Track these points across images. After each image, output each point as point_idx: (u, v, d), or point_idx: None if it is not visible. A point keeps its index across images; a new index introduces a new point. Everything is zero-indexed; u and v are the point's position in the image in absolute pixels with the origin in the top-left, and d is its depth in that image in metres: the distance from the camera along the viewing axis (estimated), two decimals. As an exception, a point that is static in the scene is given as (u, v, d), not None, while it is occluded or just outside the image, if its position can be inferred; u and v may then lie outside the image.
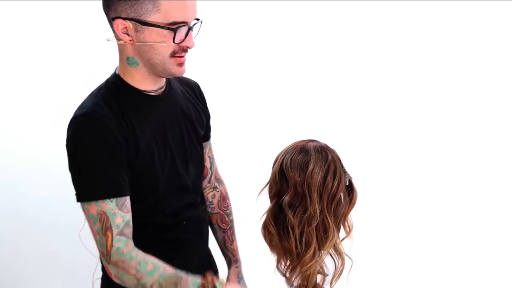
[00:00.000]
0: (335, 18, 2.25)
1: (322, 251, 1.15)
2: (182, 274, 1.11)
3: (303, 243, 1.14)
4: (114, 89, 1.16)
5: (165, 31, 1.07)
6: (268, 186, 1.23)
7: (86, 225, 1.28)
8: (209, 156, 1.45)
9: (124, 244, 1.09)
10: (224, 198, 1.51)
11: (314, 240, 1.14)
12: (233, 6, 2.23)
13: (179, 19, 1.08)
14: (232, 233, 1.52)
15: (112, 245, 1.07)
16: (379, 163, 2.24)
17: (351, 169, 1.30)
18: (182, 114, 1.28)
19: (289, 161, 1.17)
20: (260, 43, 2.26)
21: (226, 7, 2.23)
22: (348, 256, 1.19)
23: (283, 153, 1.21)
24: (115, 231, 1.08)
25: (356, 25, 2.24)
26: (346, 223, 1.21)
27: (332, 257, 1.19)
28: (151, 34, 1.08)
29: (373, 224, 2.10)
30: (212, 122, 1.56)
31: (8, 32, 2.16)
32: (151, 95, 1.19)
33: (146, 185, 1.17)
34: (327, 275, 1.18)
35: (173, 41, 1.09)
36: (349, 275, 1.19)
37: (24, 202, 2.21)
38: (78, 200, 1.10)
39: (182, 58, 1.14)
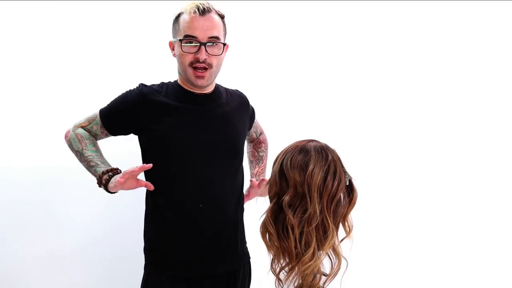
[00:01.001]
0: (335, 18, 2.25)
1: (322, 251, 1.15)
2: (103, 167, 1.55)
3: (303, 243, 1.14)
4: (171, 84, 1.60)
5: (185, 45, 1.48)
6: (268, 186, 1.23)
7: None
8: (254, 132, 1.87)
9: (77, 131, 1.62)
10: (260, 141, 1.90)
11: (314, 240, 1.13)
12: (233, 6, 2.22)
13: (188, 33, 1.47)
14: (258, 162, 1.88)
15: (79, 123, 1.62)
16: (379, 163, 2.24)
17: (351, 169, 1.30)
18: (223, 117, 1.61)
19: (289, 161, 1.17)
20: (261, 43, 2.25)
21: (225, 7, 2.23)
22: (344, 258, 1.19)
23: (283, 153, 1.21)
24: (85, 122, 1.62)
25: (356, 25, 2.24)
26: (346, 223, 1.21)
27: (330, 258, 1.19)
28: (177, 47, 1.51)
29: (372, 224, 2.10)
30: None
31: (8, 32, 2.16)
32: (196, 93, 1.55)
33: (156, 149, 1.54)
34: (326, 275, 1.18)
35: (181, 49, 1.49)
36: (343, 276, 1.19)
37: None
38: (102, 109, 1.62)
39: (199, 71, 1.49)
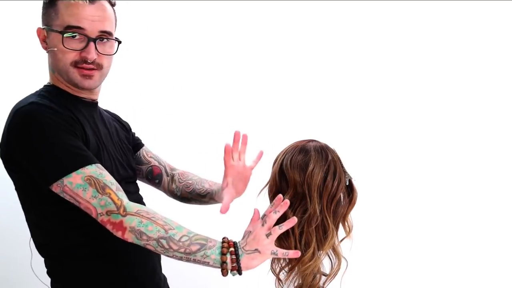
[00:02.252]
0: (334, 18, 2.24)
1: (321, 251, 1.15)
2: (205, 236, 1.07)
3: (303, 242, 1.13)
4: (50, 91, 1.19)
5: (68, 38, 1.13)
6: (268, 186, 1.23)
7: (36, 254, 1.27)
8: (151, 157, 1.49)
9: (133, 203, 1.05)
10: (182, 173, 1.51)
11: (314, 240, 1.13)
12: (232, 6, 2.22)
13: (72, 23, 1.13)
14: (199, 183, 1.47)
15: (119, 199, 1.02)
16: (379, 163, 2.24)
17: (352, 169, 1.30)
18: (114, 126, 1.35)
19: (289, 161, 1.16)
20: (261, 43, 2.25)
21: (225, 7, 2.23)
22: (344, 258, 1.18)
23: (283, 153, 1.21)
24: (113, 187, 1.04)
25: (356, 25, 2.24)
26: (346, 223, 1.21)
27: (330, 258, 1.18)
28: (53, 40, 1.16)
29: (372, 224, 2.10)
30: (212, 122, 1.57)
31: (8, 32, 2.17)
32: (85, 100, 1.24)
33: None
34: (326, 275, 1.18)
35: (62, 45, 1.13)
36: (343, 276, 1.19)
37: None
38: (55, 179, 1.04)
39: (85, 70, 1.17)
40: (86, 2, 1.13)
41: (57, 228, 1.14)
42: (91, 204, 1.02)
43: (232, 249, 1.01)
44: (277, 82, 2.23)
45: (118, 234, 1.01)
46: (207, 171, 1.61)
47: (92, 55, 1.15)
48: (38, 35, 1.19)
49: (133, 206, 1.02)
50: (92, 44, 1.15)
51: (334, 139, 1.40)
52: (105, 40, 1.18)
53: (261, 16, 2.22)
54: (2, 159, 1.16)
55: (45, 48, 1.19)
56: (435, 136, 2.21)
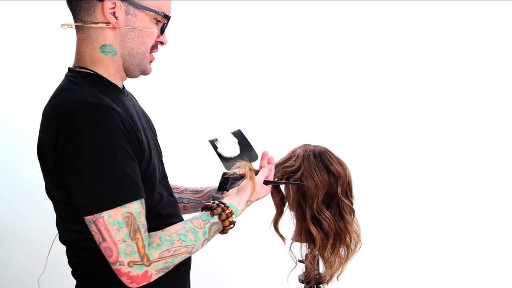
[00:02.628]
0: (333, 18, 2.24)
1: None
2: (211, 218, 1.06)
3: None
4: (92, 80, 1.01)
5: (154, 21, 1.03)
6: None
7: (47, 269, 1.23)
8: None
9: (151, 238, 0.98)
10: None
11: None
12: (232, 6, 2.22)
13: (167, 11, 1.05)
14: (192, 192, 1.41)
15: (143, 245, 0.94)
16: (379, 163, 2.24)
17: (351, 169, 1.31)
18: (144, 116, 1.21)
19: (329, 157, 1.27)
20: (262, 44, 2.25)
21: (224, 7, 2.23)
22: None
23: (311, 155, 1.26)
24: (142, 230, 0.94)
25: (355, 26, 2.23)
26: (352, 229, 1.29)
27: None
28: (143, 19, 1.01)
29: (372, 224, 2.09)
30: (213, 122, 1.57)
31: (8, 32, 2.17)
32: (122, 90, 1.10)
33: (146, 185, 1.03)
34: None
35: (161, 32, 1.05)
36: (340, 276, 1.29)
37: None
38: (95, 210, 0.91)
39: (153, 57, 1.09)
40: None
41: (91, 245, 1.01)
42: (117, 248, 0.92)
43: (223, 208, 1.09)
44: (277, 83, 2.23)
45: (134, 285, 0.95)
46: (202, 174, 1.60)
47: (166, 40, 1.09)
48: (104, 8, 0.98)
49: (155, 253, 0.96)
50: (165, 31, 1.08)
51: (334, 139, 1.41)
52: None
53: (260, 16, 2.22)
54: (40, 161, 1.01)
55: (115, 25, 0.99)
56: (434, 136, 2.21)
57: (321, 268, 1.31)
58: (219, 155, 1.28)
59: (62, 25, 1.03)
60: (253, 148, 1.32)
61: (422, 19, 2.16)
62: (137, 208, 0.93)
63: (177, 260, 0.99)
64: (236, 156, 1.28)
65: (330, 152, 1.27)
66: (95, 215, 0.90)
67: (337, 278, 1.29)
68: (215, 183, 1.31)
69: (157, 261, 0.95)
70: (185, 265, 1.18)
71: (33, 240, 2.24)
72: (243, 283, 2.28)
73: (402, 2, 2.14)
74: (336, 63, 2.20)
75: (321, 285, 1.31)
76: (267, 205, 1.35)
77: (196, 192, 1.38)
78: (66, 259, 1.10)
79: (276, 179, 1.26)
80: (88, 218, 0.91)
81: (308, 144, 1.30)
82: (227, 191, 1.20)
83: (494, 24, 2.14)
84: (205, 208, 1.09)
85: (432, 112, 2.20)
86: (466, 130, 2.19)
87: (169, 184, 1.21)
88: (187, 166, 2.03)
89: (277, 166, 1.28)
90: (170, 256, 0.97)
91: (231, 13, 2.21)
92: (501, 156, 2.19)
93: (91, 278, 1.06)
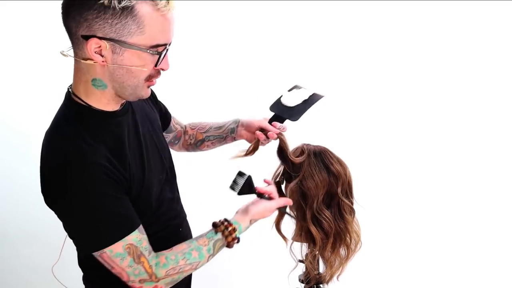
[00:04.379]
0: (333, 18, 2.24)
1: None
2: (215, 235, 1.15)
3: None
4: (81, 117, 1.04)
5: (146, 55, 0.98)
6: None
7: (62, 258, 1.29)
8: (177, 123, 1.50)
9: (156, 257, 1.08)
10: (191, 123, 1.54)
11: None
12: (231, 6, 2.22)
13: (161, 41, 0.98)
14: (213, 123, 1.51)
15: (150, 266, 1.05)
16: (379, 163, 2.24)
17: (351, 169, 1.31)
18: (147, 117, 1.24)
19: (329, 158, 1.27)
20: (262, 44, 2.25)
21: (224, 7, 2.23)
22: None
23: (312, 154, 1.26)
24: (146, 254, 1.05)
25: (355, 26, 2.23)
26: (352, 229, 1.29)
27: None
28: (130, 57, 0.97)
29: (372, 224, 2.10)
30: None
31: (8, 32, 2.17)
32: (118, 112, 1.10)
33: (140, 205, 1.12)
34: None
35: (155, 65, 1.01)
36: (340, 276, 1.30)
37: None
38: (96, 249, 1.00)
39: (153, 82, 1.07)
40: (172, 11, 0.98)
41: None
42: (126, 272, 1.04)
43: (226, 225, 1.16)
44: (276, 82, 2.23)
45: None
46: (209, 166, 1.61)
47: (169, 65, 1.05)
48: (89, 48, 0.96)
49: (162, 271, 1.07)
50: (167, 55, 1.03)
51: (334, 139, 1.40)
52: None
53: (259, 16, 2.23)
54: (46, 200, 1.07)
55: (102, 63, 0.98)
56: (434, 136, 2.21)
57: (321, 268, 1.31)
58: (281, 96, 1.37)
59: (61, 52, 1.04)
60: (301, 116, 1.32)
61: (422, 19, 2.16)
62: (135, 237, 1.03)
63: (184, 275, 1.11)
64: (287, 107, 1.33)
65: (330, 152, 1.27)
66: (98, 252, 1.01)
67: (337, 278, 1.30)
68: (227, 152, 1.36)
69: (164, 278, 1.07)
70: None
71: (36, 239, 2.24)
72: (244, 282, 2.28)
73: (402, 2, 2.14)
74: (336, 63, 2.21)
75: (321, 285, 1.31)
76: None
77: (219, 127, 1.49)
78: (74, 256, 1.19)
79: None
80: (93, 254, 1.02)
81: (308, 144, 1.30)
82: (235, 191, 1.24)
83: (494, 24, 2.14)
84: (212, 226, 1.17)
85: (432, 112, 2.20)
86: (465, 130, 2.19)
87: (175, 184, 1.31)
88: (194, 161, 2.03)
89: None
90: (176, 273, 1.09)
91: (231, 13, 2.21)
92: (501, 156, 2.19)
93: (96, 270, 1.13)
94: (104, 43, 0.95)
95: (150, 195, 1.15)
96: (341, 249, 1.27)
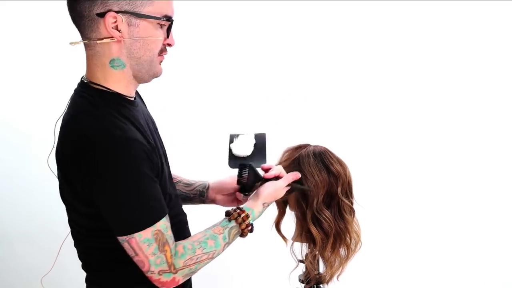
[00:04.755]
0: (333, 18, 2.24)
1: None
2: (229, 223, 1.14)
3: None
4: (107, 101, 1.05)
5: (158, 26, 1.03)
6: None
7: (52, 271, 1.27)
8: None
9: (176, 247, 1.07)
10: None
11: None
12: (231, 6, 2.22)
13: (169, 12, 1.04)
14: (185, 178, 1.46)
15: (171, 255, 1.04)
16: (378, 164, 2.24)
17: (351, 169, 1.31)
18: (152, 122, 1.25)
19: (329, 157, 1.27)
20: (262, 44, 2.25)
21: (224, 7, 2.23)
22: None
23: (311, 155, 1.27)
24: (170, 242, 1.04)
25: (355, 26, 2.23)
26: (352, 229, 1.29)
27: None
28: (146, 28, 1.02)
29: (372, 224, 2.10)
30: (214, 122, 1.58)
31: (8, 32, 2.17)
32: (134, 101, 1.13)
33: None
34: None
35: (167, 36, 1.05)
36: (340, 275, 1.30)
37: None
38: (128, 232, 0.99)
39: (163, 57, 1.10)
40: None
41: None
42: (148, 260, 1.02)
43: (242, 215, 1.15)
44: (276, 82, 2.24)
45: (177, 283, 1.07)
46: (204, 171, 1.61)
47: (174, 41, 1.09)
48: (106, 24, 0.99)
49: (180, 262, 1.06)
50: (171, 30, 1.07)
51: (334, 139, 1.40)
52: None
53: (258, 16, 2.22)
54: (60, 170, 1.07)
55: (119, 38, 1.01)
56: (434, 136, 2.21)
57: (321, 268, 1.31)
58: (230, 150, 1.31)
59: (71, 43, 1.06)
60: (265, 157, 1.32)
61: (422, 19, 2.16)
62: (164, 224, 1.02)
63: (201, 266, 1.10)
64: (245, 157, 1.30)
65: (330, 152, 1.27)
66: (128, 235, 0.99)
67: (337, 278, 1.30)
68: (210, 176, 1.36)
69: (183, 268, 1.06)
70: None
71: (35, 239, 2.25)
72: (245, 282, 2.28)
73: (402, 2, 2.14)
74: (336, 63, 2.21)
75: (321, 285, 1.31)
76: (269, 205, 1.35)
77: (188, 185, 1.42)
78: (69, 260, 1.14)
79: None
80: (121, 238, 1.01)
81: (308, 144, 1.30)
82: (244, 181, 1.20)
83: (494, 24, 2.14)
84: (226, 214, 1.17)
85: (432, 112, 2.20)
86: (465, 130, 2.19)
87: (173, 182, 1.27)
88: (188, 163, 2.03)
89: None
90: (194, 263, 1.08)
91: (231, 13, 2.21)
92: (500, 156, 2.19)
93: (99, 271, 1.14)
94: (120, 17, 0.99)
95: (166, 186, 1.14)
96: (341, 249, 1.27)
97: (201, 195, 1.39)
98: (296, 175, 1.23)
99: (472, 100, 2.18)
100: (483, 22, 2.14)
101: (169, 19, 1.04)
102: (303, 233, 1.28)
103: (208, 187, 1.38)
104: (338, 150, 1.30)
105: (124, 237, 0.99)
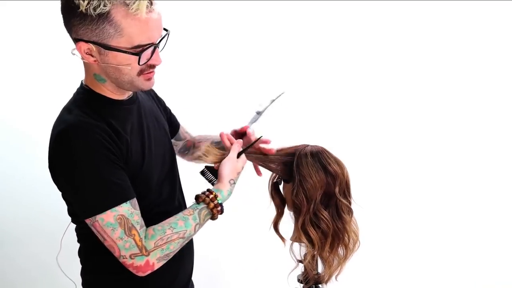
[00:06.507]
0: (333, 18, 2.24)
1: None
2: (198, 205, 1.18)
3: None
4: (88, 99, 1.14)
5: (129, 55, 1.04)
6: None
7: (64, 249, 1.32)
8: (186, 132, 1.57)
9: (147, 231, 1.11)
10: (199, 137, 1.58)
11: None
12: (231, 6, 2.23)
13: (144, 41, 1.03)
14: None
15: (141, 239, 1.08)
16: (378, 164, 2.24)
17: (351, 169, 1.31)
18: (155, 118, 1.31)
19: (327, 158, 1.27)
20: (262, 44, 2.25)
21: (224, 7, 2.23)
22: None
23: (308, 154, 1.27)
24: (137, 227, 1.08)
25: (355, 26, 2.23)
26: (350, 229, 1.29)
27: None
28: (115, 57, 1.04)
29: (372, 224, 2.10)
30: (213, 122, 1.59)
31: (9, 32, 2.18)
32: (124, 101, 1.19)
33: (139, 186, 1.17)
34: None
35: (138, 64, 1.06)
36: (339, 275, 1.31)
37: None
38: (89, 215, 1.06)
39: (151, 74, 1.12)
40: (152, 11, 1.01)
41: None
42: (117, 245, 1.07)
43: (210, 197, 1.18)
44: (276, 82, 2.24)
45: (141, 274, 1.10)
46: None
47: (160, 60, 1.11)
48: (79, 50, 1.05)
49: (151, 243, 1.09)
50: (157, 49, 1.09)
51: (332, 139, 1.41)
52: (162, 37, 1.10)
53: (259, 16, 2.23)
54: (50, 172, 1.15)
55: (94, 62, 1.07)
56: (432, 135, 2.21)
57: (320, 268, 1.31)
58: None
59: (71, 51, 1.11)
60: (259, 116, 1.41)
61: (422, 19, 2.16)
62: (127, 209, 1.07)
63: (173, 246, 1.12)
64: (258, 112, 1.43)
65: (327, 152, 1.27)
66: (91, 219, 1.06)
67: (336, 278, 1.30)
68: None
69: (154, 249, 1.09)
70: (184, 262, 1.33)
71: (35, 239, 2.25)
72: (244, 282, 2.28)
73: (402, 2, 2.14)
74: (334, 63, 2.21)
75: (319, 285, 1.31)
76: (269, 205, 1.36)
77: (218, 143, 1.45)
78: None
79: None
80: (87, 222, 1.07)
81: (306, 144, 1.30)
82: (212, 179, 1.27)
83: (494, 24, 2.14)
84: (195, 198, 1.20)
85: (430, 112, 2.20)
86: (464, 129, 2.19)
87: (176, 185, 1.35)
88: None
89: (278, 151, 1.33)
90: (165, 243, 1.10)
91: (231, 13, 2.22)
92: (499, 156, 2.19)
93: (86, 261, 1.26)
94: (91, 46, 1.04)
95: (150, 180, 1.21)
96: (339, 249, 1.27)
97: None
98: (239, 142, 1.28)
99: (470, 100, 2.18)
100: (483, 22, 2.14)
101: (140, 47, 1.04)
102: (301, 233, 1.28)
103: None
104: (336, 150, 1.30)
105: (88, 220, 1.06)
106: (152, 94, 1.41)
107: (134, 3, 0.99)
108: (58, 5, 1.05)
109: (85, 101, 1.13)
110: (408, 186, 2.20)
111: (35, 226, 2.24)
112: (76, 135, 1.05)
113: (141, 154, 1.18)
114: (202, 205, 1.17)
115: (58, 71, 2.11)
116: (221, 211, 1.19)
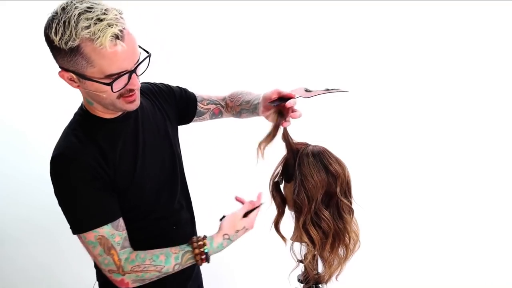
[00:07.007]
0: (333, 18, 2.24)
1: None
2: (186, 247, 1.24)
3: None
4: (82, 122, 1.22)
5: (104, 85, 1.09)
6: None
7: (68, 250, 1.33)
8: (208, 103, 1.58)
9: (129, 253, 1.20)
10: (230, 96, 1.61)
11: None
12: (231, 6, 2.23)
13: (115, 71, 1.08)
14: (246, 94, 1.56)
15: (119, 259, 1.18)
16: (378, 164, 2.24)
17: (351, 169, 1.31)
18: (155, 125, 1.36)
19: (328, 158, 1.27)
20: (262, 44, 2.26)
21: (224, 7, 2.23)
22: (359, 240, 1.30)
23: (310, 154, 1.27)
24: (117, 248, 1.18)
25: (355, 26, 2.24)
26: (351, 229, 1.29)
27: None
28: (92, 84, 1.10)
29: (372, 224, 2.10)
30: (213, 122, 1.59)
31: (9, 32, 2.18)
32: (118, 118, 1.25)
33: (131, 198, 1.25)
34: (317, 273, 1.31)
35: (112, 91, 1.10)
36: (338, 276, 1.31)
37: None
38: (74, 232, 1.18)
39: (132, 97, 1.16)
40: (120, 44, 1.05)
41: None
42: (98, 260, 1.19)
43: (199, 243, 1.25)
44: (275, 82, 2.23)
45: (126, 285, 1.22)
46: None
47: (137, 84, 1.15)
48: (62, 77, 1.13)
49: (128, 266, 1.20)
50: (134, 75, 1.12)
51: (333, 139, 1.40)
52: (139, 63, 1.14)
53: (258, 16, 2.23)
54: None
55: (78, 87, 1.14)
56: (433, 136, 2.22)
57: (320, 268, 1.31)
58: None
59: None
60: (315, 94, 1.44)
61: (422, 19, 2.16)
62: (108, 231, 1.17)
63: (148, 276, 1.21)
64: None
65: (328, 152, 1.27)
66: (77, 235, 1.18)
67: (336, 278, 1.30)
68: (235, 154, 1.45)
69: (130, 273, 1.19)
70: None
71: (35, 239, 2.25)
72: (244, 282, 2.29)
73: (402, 2, 2.14)
74: (335, 63, 2.21)
75: (319, 285, 1.31)
76: (268, 205, 1.36)
77: (247, 102, 1.53)
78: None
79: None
80: (76, 236, 1.19)
81: (307, 144, 1.30)
82: None
83: (494, 24, 2.14)
84: (188, 240, 1.27)
85: (430, 112, 2.21)
86: (464, 130, 2.19)
87: (176, 186, 1.38)
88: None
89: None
90: (140, 271, 1.20)
91: (231, 13, 2.22)
92: (499, 156, 2.19)
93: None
94: (70, 74, 1.11)
95: (142, 190, 1.27)
96: (340, 249, 1.27)
97: (255, 108, 1.48)
98: (252, 203, 1.32)
99: (470, 100, 2.19)
100: (483, 22, 2.14)
101: (111, 77, 1.08)
102: (302, 233, 1.28)
103: (261, 99, 1.44)
104: (337, 150, 1.30)
105: (76, 235, 1.18)
106: (154, 93, 1.42)
107: (97, 38, 1.03)
108: (58, 5, 1.06)
109: (80, 123, 1.22)
110: (408, 186, 2.20)
111: (35, 226, 2.24)
112: (63, 164, 1.15)
113: (131, 170, 1.25)
114: (189, 249, 1.24)
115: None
116: (206, 260, 1.24)
